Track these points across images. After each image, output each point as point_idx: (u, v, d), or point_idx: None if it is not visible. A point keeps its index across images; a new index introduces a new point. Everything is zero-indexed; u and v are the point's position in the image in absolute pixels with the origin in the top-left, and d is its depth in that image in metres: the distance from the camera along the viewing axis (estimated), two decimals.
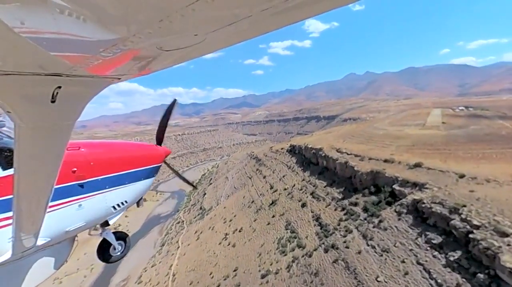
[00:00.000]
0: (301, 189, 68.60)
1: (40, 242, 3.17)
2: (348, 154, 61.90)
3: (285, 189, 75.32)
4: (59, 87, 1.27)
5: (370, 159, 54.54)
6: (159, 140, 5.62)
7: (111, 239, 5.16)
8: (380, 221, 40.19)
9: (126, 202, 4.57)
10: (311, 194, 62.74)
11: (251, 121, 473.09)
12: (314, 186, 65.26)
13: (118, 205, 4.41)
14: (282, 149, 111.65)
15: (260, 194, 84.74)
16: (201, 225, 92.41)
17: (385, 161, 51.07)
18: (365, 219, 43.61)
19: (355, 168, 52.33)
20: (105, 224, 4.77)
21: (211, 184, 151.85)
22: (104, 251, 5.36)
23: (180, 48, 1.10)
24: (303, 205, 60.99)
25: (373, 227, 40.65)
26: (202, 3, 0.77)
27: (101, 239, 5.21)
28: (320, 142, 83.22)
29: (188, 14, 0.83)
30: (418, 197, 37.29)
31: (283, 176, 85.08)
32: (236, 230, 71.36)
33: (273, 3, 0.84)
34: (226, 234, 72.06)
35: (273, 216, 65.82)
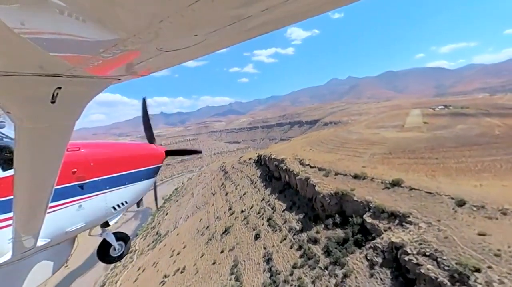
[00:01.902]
0: (258, 213, 54.15)
1: (40, 242, 3.13)
2: (311, 167, 48.44)
3: (242, 212, 60.62)
4: (59, 87, 1.26)
5: (336, 173, 41.19)
6: (171, 153, 5.53)
7: (111, 239, 5.02)
8: (346, 276, 26.22)
9: (126, 202, 4.48)
10: (268, 220, 48.40)
11: (235, 128, 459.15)
12: (272, 209, 51.04)
13: (118, 206, 4.32)
14: (250, 159, 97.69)
15: (217, 217, 69.48)
16: (148, 258, 75.21)
17: (355, 176, 37.81)
18: (325, 267, 29.54)
19: (317, 188, 38.67)
20: (105, 224, 4.64)
21: (177, 201, 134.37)
22: (104, 252, 5.19)
23: (180, 49, 1.09)
24: (257, 237, 46.44)
25: (336, 284, 26.61)
26: (202, 4, 0.76)
27: (101, 239, 5.08)
28: (287, 151, 69.91)
29: (188, 15, 0.81)
30: (397, 238, 23.78)
31: (244, 194, 70.51)
32: (178, 270, 55.28)
33: (273, 3, 0.83)
34: (165, 276, 55.71)
35: (222, 251, 50.62)
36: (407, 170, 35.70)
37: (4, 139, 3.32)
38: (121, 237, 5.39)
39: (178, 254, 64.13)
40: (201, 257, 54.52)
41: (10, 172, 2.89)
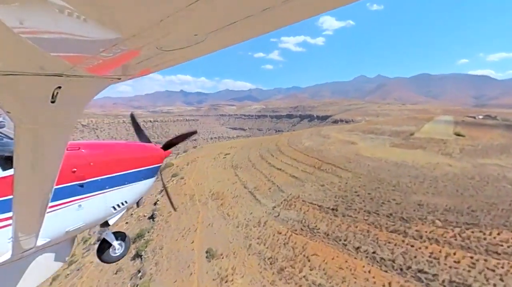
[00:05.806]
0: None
1: (40, 242, 3.17)
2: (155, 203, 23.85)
3: None
4: (59, 87, 1.27)
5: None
6: (168, 146, 5.58)
7: (111, 239, 4.99)
8: None
9: (126, 202, 4.49)
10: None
11: (244, 115, 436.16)
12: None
13: (118, 205, 4.33)
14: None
15: None
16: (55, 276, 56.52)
17: None
18: None
19: None
20: (105, 224, 4.66)
21: None
22: (104, 252, 5.10)
23: (180, 48, 1.09)
24: None
25: None
26: (202, 3, 0.76)
27: (101, 239, 5.13)
28: (213, 151, 45.45)
29: (188, 14, 0.81)
30: None
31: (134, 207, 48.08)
32: None
33: (275, 2, 0.82)
34: None
35: None
36: None
37: (4, 139, 3.34)
38: (121, 236, 5.15)
39: (49, 285, 44.14)
40: None
41: (10, 172, 2.87)
